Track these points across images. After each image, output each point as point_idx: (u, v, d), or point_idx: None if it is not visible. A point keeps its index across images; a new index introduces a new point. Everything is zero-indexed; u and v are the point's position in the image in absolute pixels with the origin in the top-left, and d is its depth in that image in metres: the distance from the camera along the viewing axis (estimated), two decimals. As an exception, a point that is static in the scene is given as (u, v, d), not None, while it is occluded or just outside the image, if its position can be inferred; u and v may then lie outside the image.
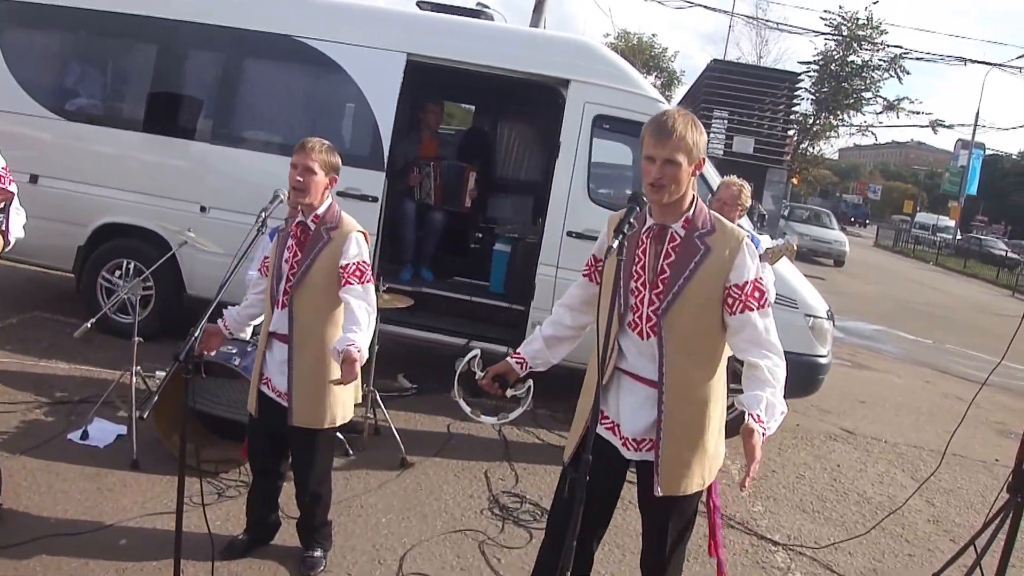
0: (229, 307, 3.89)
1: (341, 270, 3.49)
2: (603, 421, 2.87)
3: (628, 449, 2.83)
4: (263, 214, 3.26)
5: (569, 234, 6.47)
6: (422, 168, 7.32)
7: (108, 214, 6.88)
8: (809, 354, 6.52)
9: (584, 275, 3.05)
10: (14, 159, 4.47)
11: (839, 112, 26.74)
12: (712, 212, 2.83)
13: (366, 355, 3.32)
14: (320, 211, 3.53)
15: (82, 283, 7.04)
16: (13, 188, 3.82)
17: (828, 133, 28.06)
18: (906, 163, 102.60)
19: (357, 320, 3.40)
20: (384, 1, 9.10)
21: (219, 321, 3.81)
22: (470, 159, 7.78)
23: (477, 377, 3.03)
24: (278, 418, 3.61)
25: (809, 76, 25.83)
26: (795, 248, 5.59)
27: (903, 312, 17.78)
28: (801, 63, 27.31)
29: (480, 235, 8.06)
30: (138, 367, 4.92)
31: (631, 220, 2.59)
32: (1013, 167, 74.02)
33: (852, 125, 27.92)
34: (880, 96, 26.44)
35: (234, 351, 4.66)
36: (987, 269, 35.05)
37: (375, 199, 6.44)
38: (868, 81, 26.09)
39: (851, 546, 5.06)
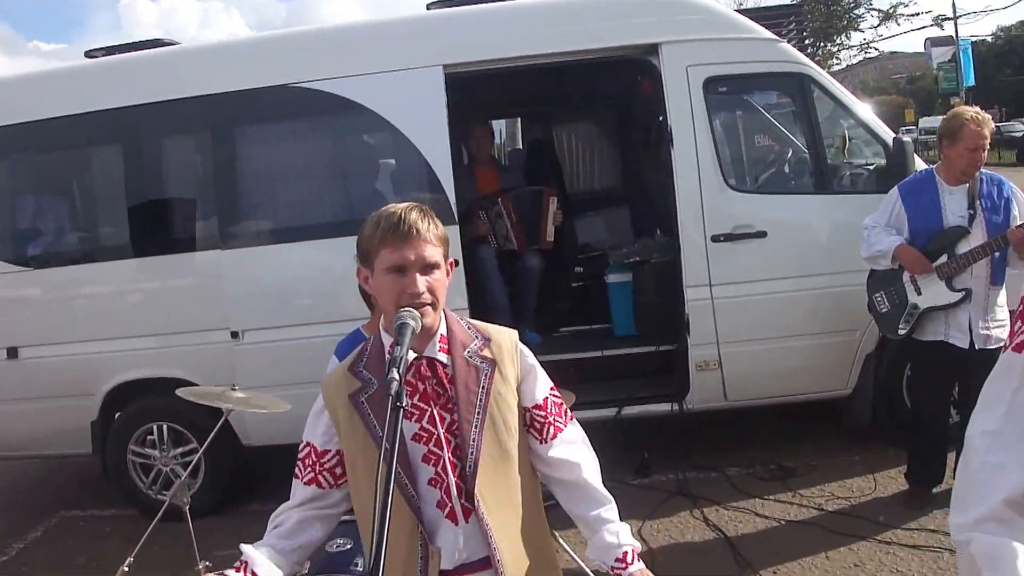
0: (255, 545, 1.90)
1: (533, 412, 1.92)
2: None
3: None
4: (395, 374, 1.56)
5: (715, 239, 4.88)
6: (490, 208, 5.69)
7: (117, 373, 5.19)
8: None
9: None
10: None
11: (835, 36, 25.11)
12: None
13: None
14: (444, 329, 1.89)
15: (109, 465, 5.34)
16: None
17: (829, 61, 26.36)
18: (883, 75, 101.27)
19: (596, 489, 1.96)
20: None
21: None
22: (539, 181, 6.18)
23: None
24: None
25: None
26: None
27: None
28: (782, -3, 25.76)
29: (580, 269, 6.39)
30: (204, 563, 3.35)
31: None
32: (989, 50, 73.14)
33: (852, 47, 26.32)
34: (874, 9, 24.87)
35: (348, 546, 2.84)
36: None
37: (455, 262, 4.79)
38: (856, -4, 24.48)
39: None
